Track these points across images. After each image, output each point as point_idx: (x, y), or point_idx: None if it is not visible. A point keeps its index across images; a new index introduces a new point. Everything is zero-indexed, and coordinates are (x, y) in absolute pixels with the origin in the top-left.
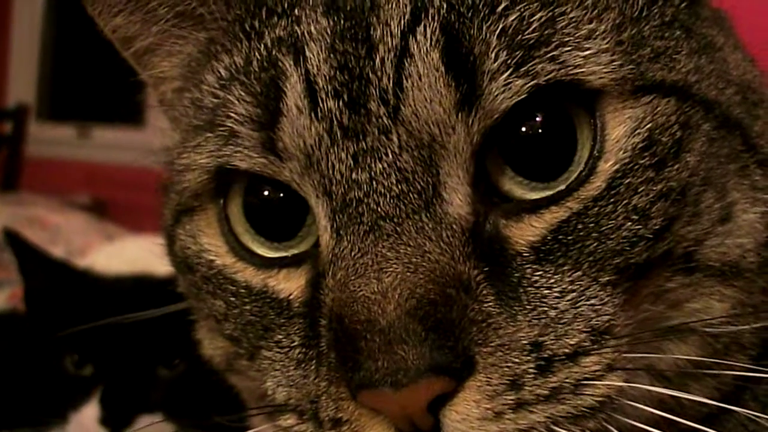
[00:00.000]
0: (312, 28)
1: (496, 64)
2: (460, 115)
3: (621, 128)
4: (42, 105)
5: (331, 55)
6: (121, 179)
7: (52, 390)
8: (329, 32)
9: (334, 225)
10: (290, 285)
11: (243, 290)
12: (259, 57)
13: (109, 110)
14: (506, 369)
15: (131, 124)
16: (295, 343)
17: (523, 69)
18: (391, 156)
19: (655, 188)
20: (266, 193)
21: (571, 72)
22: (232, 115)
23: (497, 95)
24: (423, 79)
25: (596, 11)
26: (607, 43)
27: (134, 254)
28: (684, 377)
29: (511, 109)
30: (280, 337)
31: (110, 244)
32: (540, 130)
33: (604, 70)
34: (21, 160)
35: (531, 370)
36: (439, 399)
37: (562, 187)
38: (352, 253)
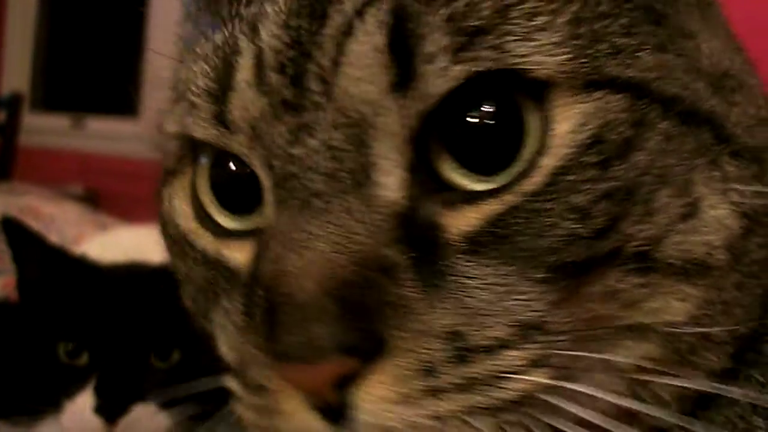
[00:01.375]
0: (270, 8)
1: (434, 47)
2: (393, 96)
3: (567, 123)
4: (36, 94)
5: (284, 32)
6: (114, 169)
7: (47, 379)
8: (285, 9)
9: (276, 199)
10: (240, 255)
11: (200, 256)
12: (226, 36)
13: (103, 100)
14: (420, 355)
15: (125, 115)
16: (239, 311)
17: (462, 54)
18: (323, 133)
19: (598, 187)
20: (231, 166)
21: (514, 61)
22: (193, 88)
23: (432, 79)
24: (360, 59)
25: (556, 3)
26: (560, 36)
27: (128, 243)
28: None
29: (453, 96)
30: (227, 303)
31: (103, 233)
32: (486, 121)
33: (552, 62)
34: (15, 150)
35: (447, 359)
36: (351, 378)
37: (506, 180)
38: (287, 227)
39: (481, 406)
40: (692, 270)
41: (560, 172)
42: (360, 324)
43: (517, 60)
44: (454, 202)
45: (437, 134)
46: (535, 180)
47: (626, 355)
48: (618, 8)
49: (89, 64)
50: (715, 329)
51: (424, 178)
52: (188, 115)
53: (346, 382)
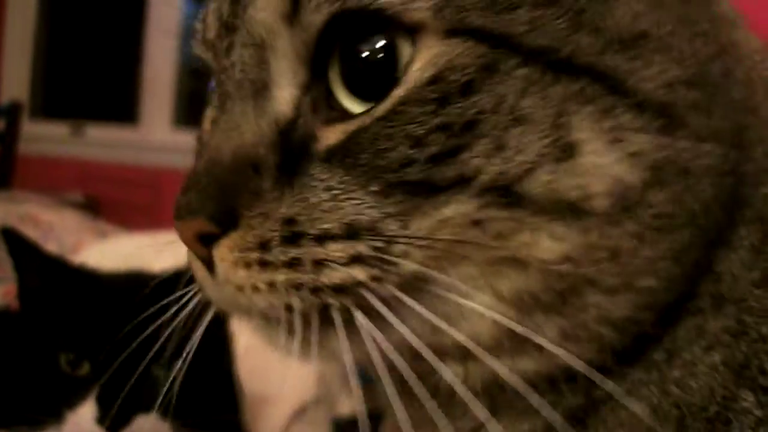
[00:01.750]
0: None
1: None
2: (285, 24)
3: (420, 62)
4: (35, 102)
5: None
6: (114, 177)
7: (48, 389)
8: None
9: (215, 96)
10: None
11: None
12: None
13: (102, 108)
14: (258, 232)
15: (125, 122)
16: None
17: None
18: (238, 50)
19: (433, 120)
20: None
21: (378, 4)
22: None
23: (310, 12)
24: None
25: None
26: None
27: (127, 251)
28: (529, 311)
29: (338, 29)
30: None
31: (103, 241)
32: (370, 54)
33: (418, 9)
34: (14, 158)
35: (278, 238)
36: (212, 240)
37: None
38: (213, 117)
39: (304, 283)
40: (564, 211)
41: (403, 102)
42: (223, 200)
43: (381, 3)
44: (333, 120)
45: (338, 62)
46: (384, 107)
47: (506, 285)
48: None
49: (88, 71)
50: (603, 276)
51: (317, 97)
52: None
53: (209, 242)
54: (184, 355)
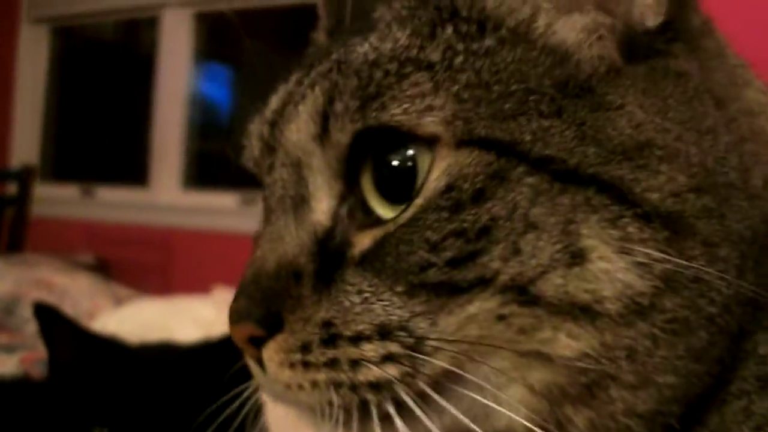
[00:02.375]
0: (281, 86)
1: (339, 109)
2: (317, 144)
3: (436, 172)
4: (45, 165)
5: (275, 104)
6: (124, 238)
7: None
8: (284, 87)
9: (263, 210)
10: None
11: None
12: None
13: (112, 170)
14: (301, 335)
15: (134, 184)
16: None
17: (356, 114)
18: (279, 169)
19: (448, 226)
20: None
21: (395, 120)
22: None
23: (336, 132)
24: (298, 117)
25: (446, 72)
26: (442, 100)
27: (144, 318)
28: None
29: (366, 144)
30: None
31: (118, 306)
32: (397, 164)
33: (431, 122)
34: (26, 222)
35: (317, 340)
36: (261, 342)
37: (398, 213)
38: (260, 229)
39: (342, 381)
40: (577, 312)
41: (422, 210)
42: (268, 306)
43: (399, 118)
44: (367, 226)
45: (370, 172)
46: (406, 215)
47: (536, 377)
48: (504, 82)
49: (98, 134)
50: (623, 373)
51: (352, 205)
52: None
53: (258, 343)
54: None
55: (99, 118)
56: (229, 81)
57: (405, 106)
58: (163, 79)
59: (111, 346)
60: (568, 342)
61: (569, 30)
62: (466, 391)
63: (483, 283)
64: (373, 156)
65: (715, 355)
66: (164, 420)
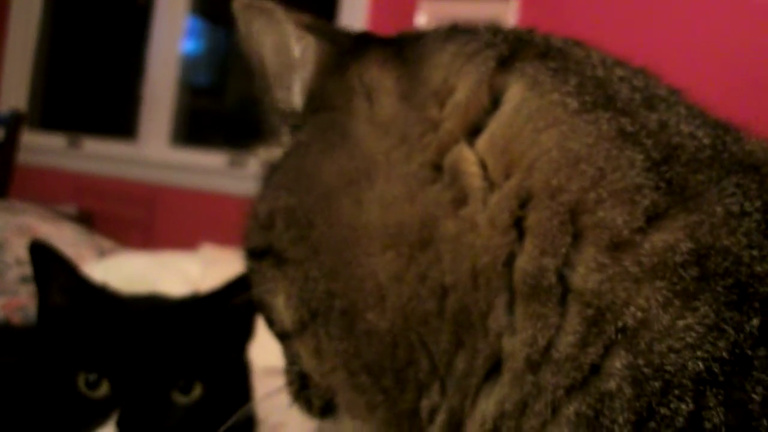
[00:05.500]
0: None
1: None
2: None
3: None
4: (33, 113)
5: None
6: (109, 191)
7: (64, 410)
8: None
9: None
10: None
11: None
12: None
13: (100, 122)
14: None
15: (122, 137)
16: None
17: None
18: None
19: None
20: None
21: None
22: None
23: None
24: None
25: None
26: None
27: (132, 271)
28: None
29: None
30: None
31: (102, 258)
32: None
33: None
34: (12, 168)
35: None
36: None
37: None
38: None
39: None
40: (284, 335)
41: None
42: None
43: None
44: None
45: None
46: None
47: None
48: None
49: (88, 84)
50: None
51: None
52: None
53: None
54: (205, 379)
55: (90, 68)
56: (206, 36)
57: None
58: (157, 32)
59: (103, 293)
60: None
61: None
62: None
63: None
64: None
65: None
66: (154, 369)
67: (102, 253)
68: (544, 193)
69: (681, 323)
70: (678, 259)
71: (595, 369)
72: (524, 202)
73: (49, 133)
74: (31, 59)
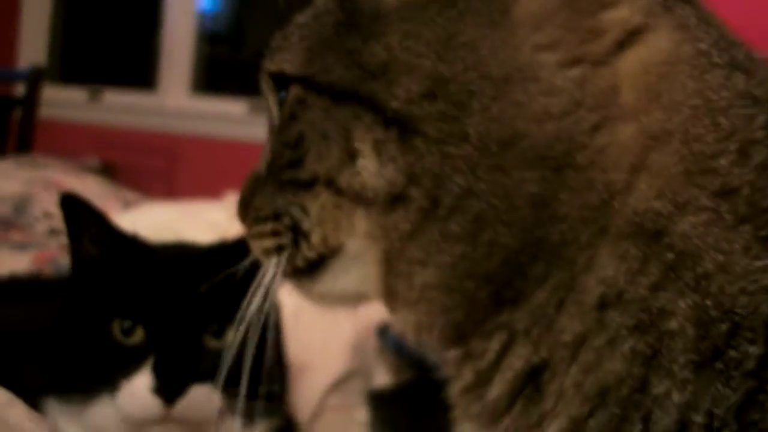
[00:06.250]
0: None
1: (274, 55)
2: (267, 77)
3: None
4: (53, 67)
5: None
6: (131, 142)
7: (100, 357)
8: None
9: None
10: None
11: None
12: None
13: (120, 73)
14: (248, 221)
15: (142, 87)
16: None
17: (269, 59)
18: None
19: (278, 139)
20: None
21: (275, 67)
22: None
23: (268, 72)
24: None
25: (303, 32)
26: (293, 54)
27: (159, 220)
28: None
29: (276, 80)
30: None
31: (127, 209)
32: (283, 95)
33: (287, 68)
34: (34, 123)
35: (251, 221)
36: None
37: None
38: None
39: (261, 247)
40: (357, 199)
41: (279, 128)
42: (246, 202)
43: (277, 66)
44: None
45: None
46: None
47: (371, 253)
48: (312, 38)
49: (106, 36)
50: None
51: None
52: None
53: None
54: (238, 326)
55: (108, 19)
56: None
57: (282, 56)
58: None
59: (134, 242)
60: (359, 223)
61: None
62: (334, 261)
63: (317, 180)
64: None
65: (485, 239)
66: (186, 314)
67: (127, 205)
68: (678, 137)
69: (758, 264)
70: (765, 204)
71: (662, 311)
72: (656, 140)
73: (69, 87)
74: (49, 13)
